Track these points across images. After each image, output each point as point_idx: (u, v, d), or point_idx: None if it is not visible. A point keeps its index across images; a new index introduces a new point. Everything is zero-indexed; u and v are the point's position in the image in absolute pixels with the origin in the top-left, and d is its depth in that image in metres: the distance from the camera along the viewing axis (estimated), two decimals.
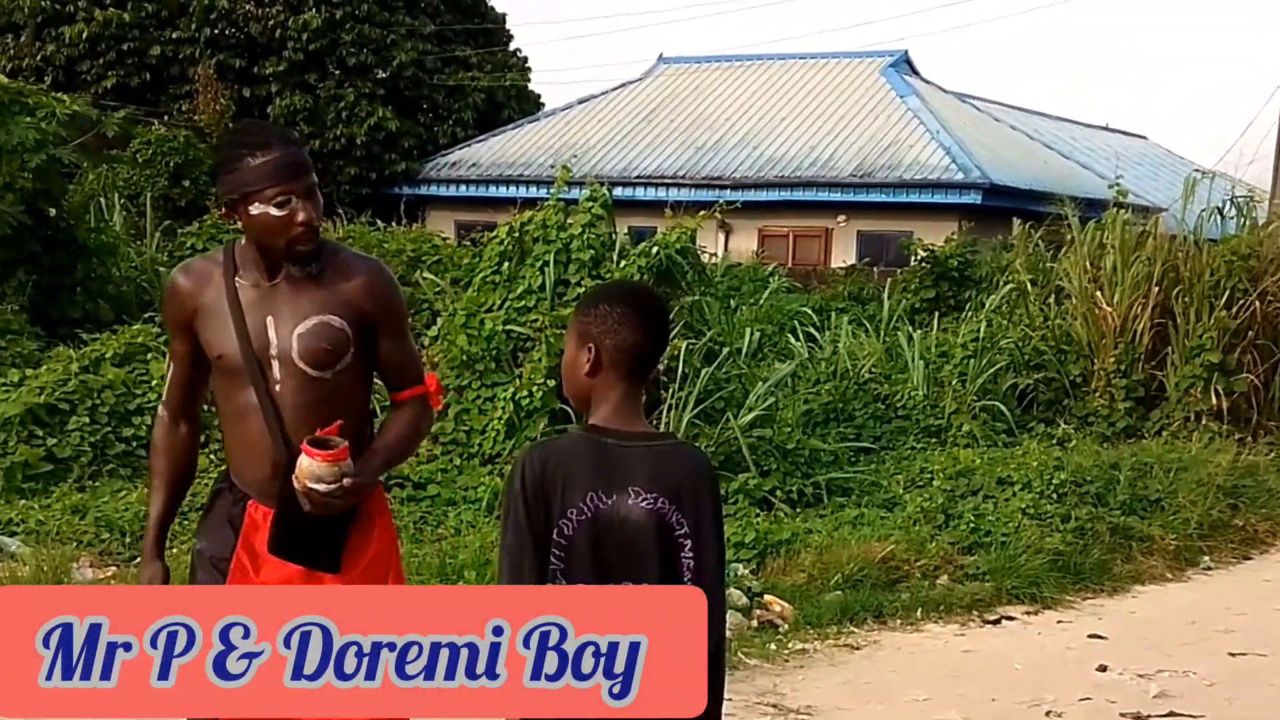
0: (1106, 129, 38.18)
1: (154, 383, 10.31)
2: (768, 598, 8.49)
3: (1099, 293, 14.73)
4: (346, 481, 3.56)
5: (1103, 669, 7.83)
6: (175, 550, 7.84)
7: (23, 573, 6.72)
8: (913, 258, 19.12)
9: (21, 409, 9.71)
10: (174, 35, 30.63)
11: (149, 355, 10.61)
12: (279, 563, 3.73)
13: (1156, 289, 14.55)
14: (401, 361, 3.94)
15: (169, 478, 3.99)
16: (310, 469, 3.54)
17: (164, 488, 3.98)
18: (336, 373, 3.77)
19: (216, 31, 30.72)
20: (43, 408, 9.88)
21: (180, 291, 3.83)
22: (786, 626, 8.23)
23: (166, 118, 28.36)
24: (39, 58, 29.95)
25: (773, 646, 7.89)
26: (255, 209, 3.65)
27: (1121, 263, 14.73)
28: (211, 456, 9.58)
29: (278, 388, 3.73)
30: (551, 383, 10.50)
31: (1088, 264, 15.04)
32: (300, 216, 3.65)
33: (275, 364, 3.73)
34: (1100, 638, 8.61)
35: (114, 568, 7.73)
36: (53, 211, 13.17)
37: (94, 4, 30.21)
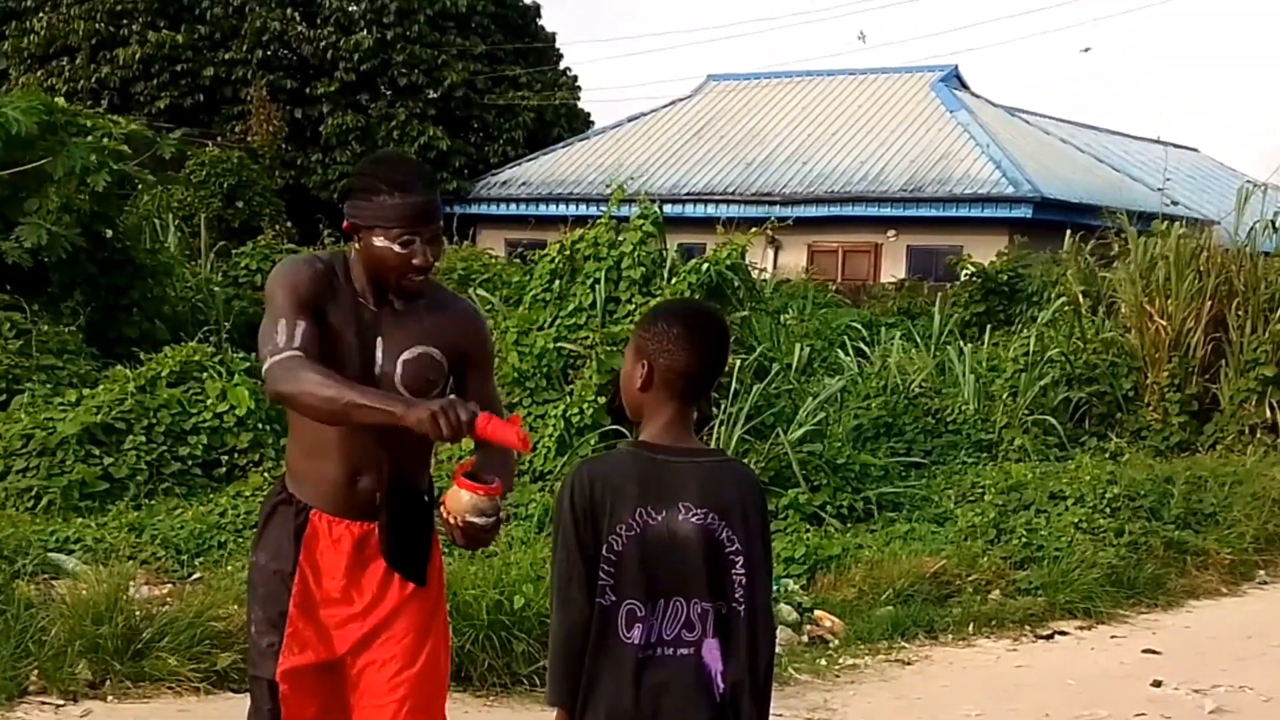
0: (1158, 142, 37.90)
1: (209, 401, 10.39)
2: (818, 613, 8.48)
3: (1150, 305, 14.66)
4: (501, 514, 3.63)
5: (1157, 684, 7.77)
6: (230, 568, 7.93)
7: (82, 591, 6.80)
8: (962, 274, 19.06)
9: (79, 428, 9.79)
10: (226, 57, 31.00)
11: (204, 374, 10.69)
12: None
13: (1210, 302, 14.48)
14: (489, 400, 4.02)
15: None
16: (473, 503, 3.58)
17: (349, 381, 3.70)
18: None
19: (269, 53, 31.07)
20: (99, 427, 9.96)
21: (319, 276, 3.85)
22: (837, 642, 8.22)
23: (219, 139, 28.62)
24: (94, 80, 30.36)
25: (823, 662, 7.88)
26: (379, 241, 3.76)
27: (1175, 275, 14.66)
28: (265, 474, 9.68)
29: None
30: (602, 400, 10.54)
31: (1139, 276, 14.97)
32: (417, 260, 3.77)
33: (377, 384, 3.81)
34: (1155, 653, 8.55)
35: (170, 585, 7.80)
36: (109, 233, 13.30)
37: (147, 26, 30.62)
